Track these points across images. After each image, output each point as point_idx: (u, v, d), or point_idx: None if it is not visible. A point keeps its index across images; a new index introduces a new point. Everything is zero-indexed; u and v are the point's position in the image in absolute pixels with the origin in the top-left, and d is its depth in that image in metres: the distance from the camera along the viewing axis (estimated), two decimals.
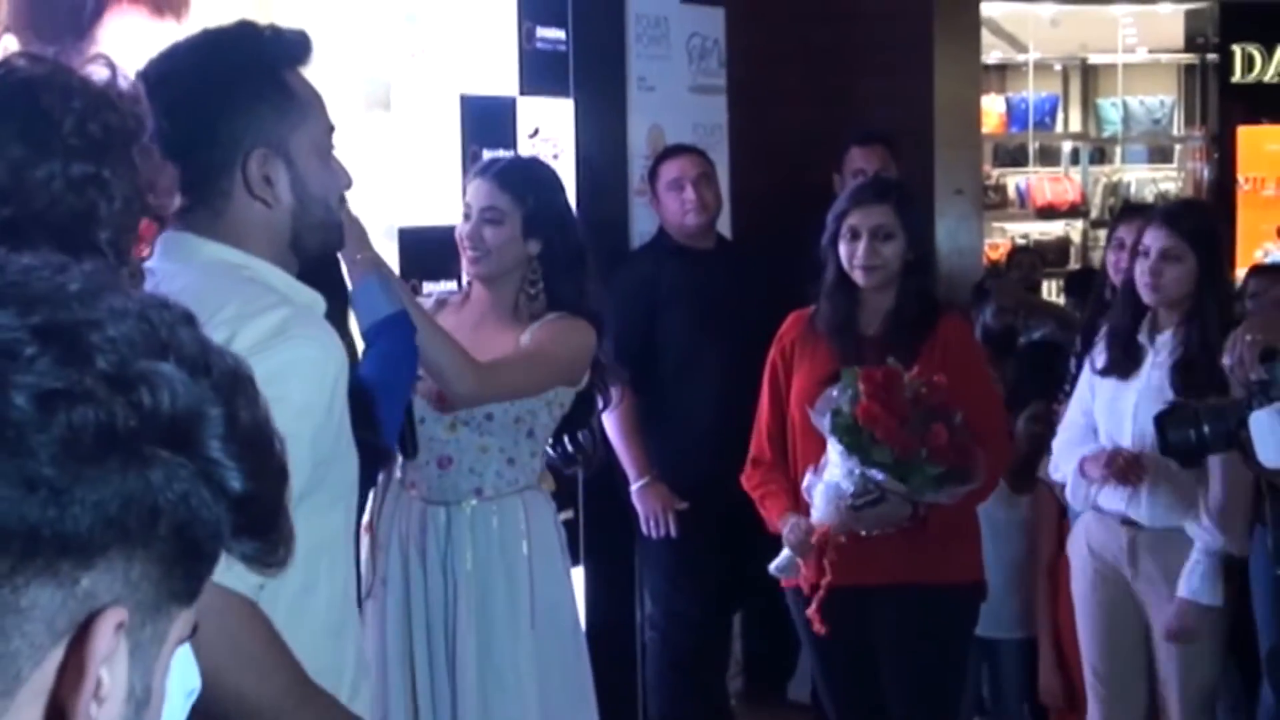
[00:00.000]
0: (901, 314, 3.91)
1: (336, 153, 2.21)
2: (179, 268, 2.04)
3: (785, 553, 3.87)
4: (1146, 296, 4.02)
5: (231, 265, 2.06)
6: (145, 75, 2.02)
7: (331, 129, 2.18)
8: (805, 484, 3.79)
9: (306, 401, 1.95)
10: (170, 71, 2.09)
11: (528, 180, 3.60)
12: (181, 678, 1.30)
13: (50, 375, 0.75)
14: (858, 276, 3.91)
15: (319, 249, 2.21)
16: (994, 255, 9.21)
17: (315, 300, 2.11)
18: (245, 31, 2.15)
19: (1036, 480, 4.88)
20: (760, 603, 4.76)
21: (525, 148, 4.71)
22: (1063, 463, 4.19)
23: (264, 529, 0.85)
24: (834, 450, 3.69)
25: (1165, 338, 4.03)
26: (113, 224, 1.70)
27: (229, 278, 2.04)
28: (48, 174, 1.66)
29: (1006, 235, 9.65)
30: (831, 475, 3.70)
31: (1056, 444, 4.25)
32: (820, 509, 3.74)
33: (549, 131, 4.83)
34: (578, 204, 4.96)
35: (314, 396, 1.97)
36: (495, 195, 3.53)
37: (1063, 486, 4.26)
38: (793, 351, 4.01)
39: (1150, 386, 3.99)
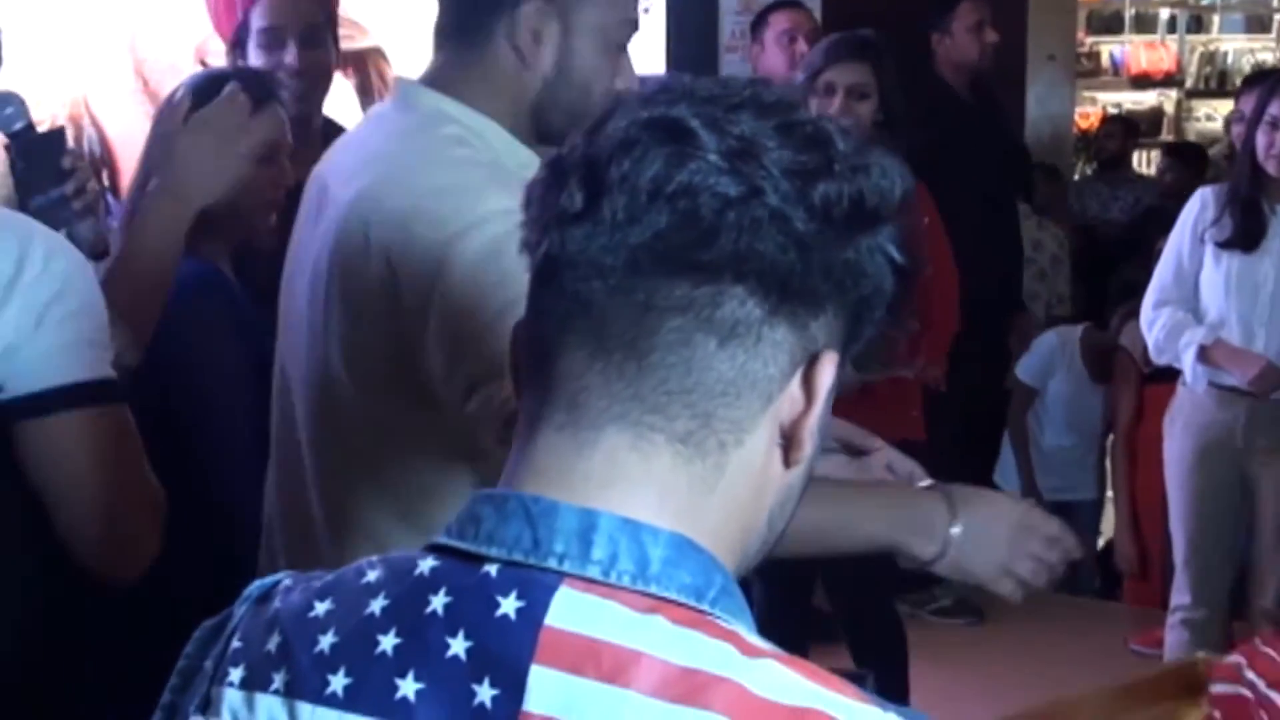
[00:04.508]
0: None
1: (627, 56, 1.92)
2: (400, 118, 1.90)
3: None
4: (1273, 168, 3.95)
5: (447, 116, 1.86)
6: None
7: (631, 25, 1.91)
8: None
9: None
10: None
11: None
12: None
13: (794, 159, 0.92)
14: None
15: (560, 132, 1.82)
16: (1084, 124, 9.09)
17: (531, 160, 1.82)
18: None
19: (1117, 347, 4.87)
20: None
21: None
22: (1167, 344, 4.10)
23: (898, 310, 1.00)
24: None
25: None
26: None
27: (423, 136, 1.84)
28: None
29: (1098, 104, 9.51)
30: None
31: (1153, 320, 4.14)
32: None
33: None
34: (667, 57, 4.95)
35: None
36: None
37: (1143, 350, 4.22)
38: None
39: None
